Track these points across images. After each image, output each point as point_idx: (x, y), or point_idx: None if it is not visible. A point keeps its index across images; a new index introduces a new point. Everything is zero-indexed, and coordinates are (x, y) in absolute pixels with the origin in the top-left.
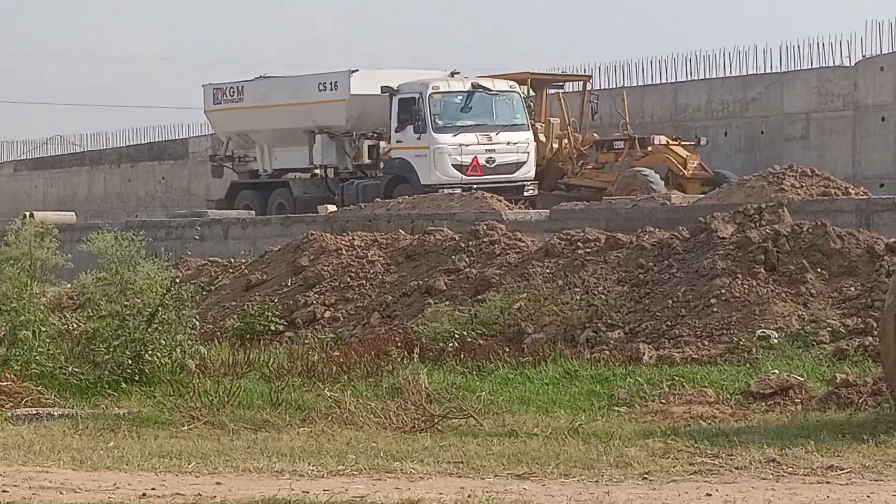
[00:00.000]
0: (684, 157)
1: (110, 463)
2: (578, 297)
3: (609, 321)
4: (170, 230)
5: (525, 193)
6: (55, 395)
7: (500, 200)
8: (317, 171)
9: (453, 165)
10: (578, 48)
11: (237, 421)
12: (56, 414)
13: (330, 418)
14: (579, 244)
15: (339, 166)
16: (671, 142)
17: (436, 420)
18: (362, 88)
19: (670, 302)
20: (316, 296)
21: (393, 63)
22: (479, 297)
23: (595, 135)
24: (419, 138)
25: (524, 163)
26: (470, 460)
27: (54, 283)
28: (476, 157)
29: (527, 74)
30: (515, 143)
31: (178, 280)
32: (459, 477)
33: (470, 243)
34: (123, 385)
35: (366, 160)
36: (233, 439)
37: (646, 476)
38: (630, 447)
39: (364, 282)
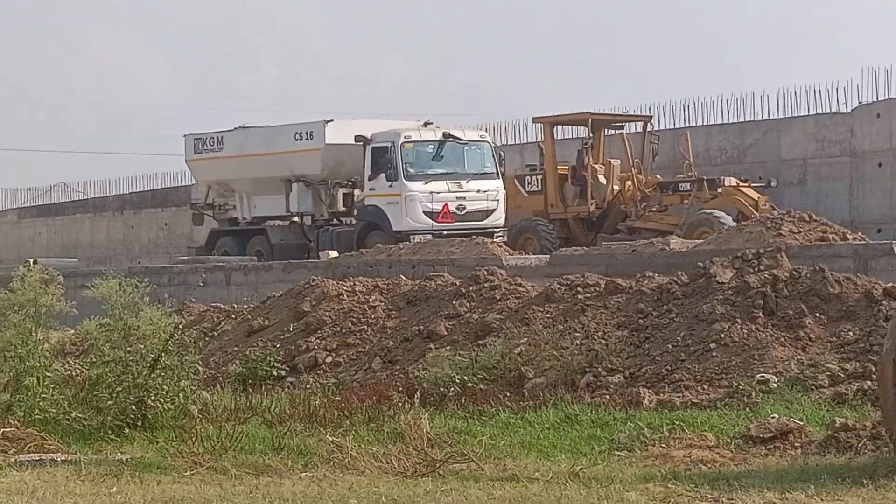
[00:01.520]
0: (755, 198)
1: None
2: (578, 342)
3: (609, 365)
4: (172, 276)
5: (496, 240)
6: (58, 441)
7: (500, 246)
8: (294, 218)
9: (424, 212)
10: (577, 95)
11: (239, 466)
12: (59, 459)
13: (332, 463)
14: (579, 289)
15: (315, 214)
16: (741, 183)
17: (437, 465)
18: (337, 138)
19: (670, 346)
20: (318, 341)
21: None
22: (480, 341)
23: (658, 176)
24: (391, 186)
25: (494, 210)
26: None
27: (58, 329)
28: (447, 204)
29: (587, 115)
30: (485, 191)
31: (180, 326)
32: None
33: (471, 288)
34: (126, 430)
35: (340, 207)
36: (235, 485)
37: None
38: (631, 491)
39: (365, 327)
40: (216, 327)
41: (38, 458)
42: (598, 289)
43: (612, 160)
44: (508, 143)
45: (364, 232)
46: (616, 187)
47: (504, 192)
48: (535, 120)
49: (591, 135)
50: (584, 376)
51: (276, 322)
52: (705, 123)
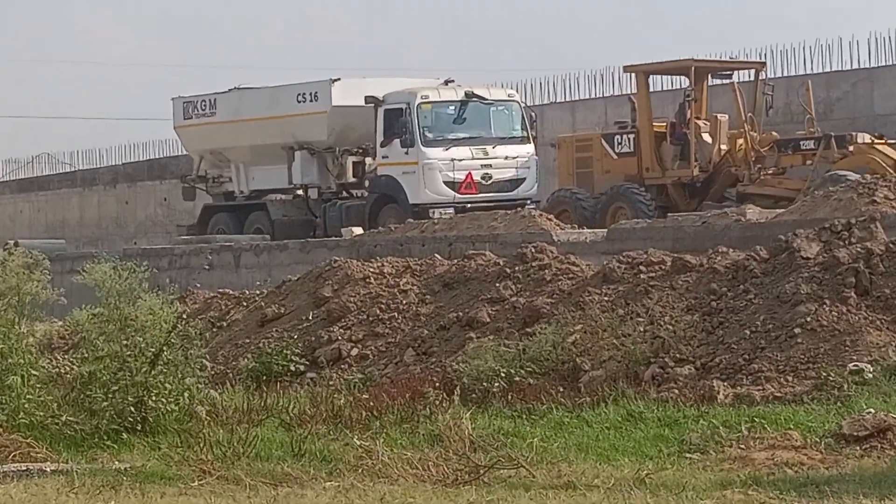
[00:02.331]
0: (894, 158)
1: None
2: (642, 329)
3: (678, 355)
4: (174, 258)
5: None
6: (47, 449)
7: (549, 219)
8: (298, 191)
9: (445, 183)
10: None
11: (254, 475)
12: (48, 470)
13: (360, 470)
14: (642, 268)
15: (322, 186)
16: (876, 140)
17: (481, 471)
18: (345, 99)
19: (748, 332)
20: (341, 331)
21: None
22: (528, 329)
23: (774, 133)
24: (407, 153)
25: (524, 179)
26: None
27: (44, 321)
28: (470, 173)
29: (689, 62)
30: (514, 158)
31: (184, 315)
32: None
33: (516, 269)
34: (124, 435)
35: (350, 178)
36: (250, 496)
37: None
38: (706, 499)
39: (396, 314)
40: (225, 316)
41: (24, 468)
42: (663, 267)
43: (718, 115)
44: (556, 100)
45: (377, 206)
46: (724, 147)
47: (536, 158)
48: (626, 69)
49: (692, 85)
50: (648, 368)
51: (293, 310)
52: (785, 75)
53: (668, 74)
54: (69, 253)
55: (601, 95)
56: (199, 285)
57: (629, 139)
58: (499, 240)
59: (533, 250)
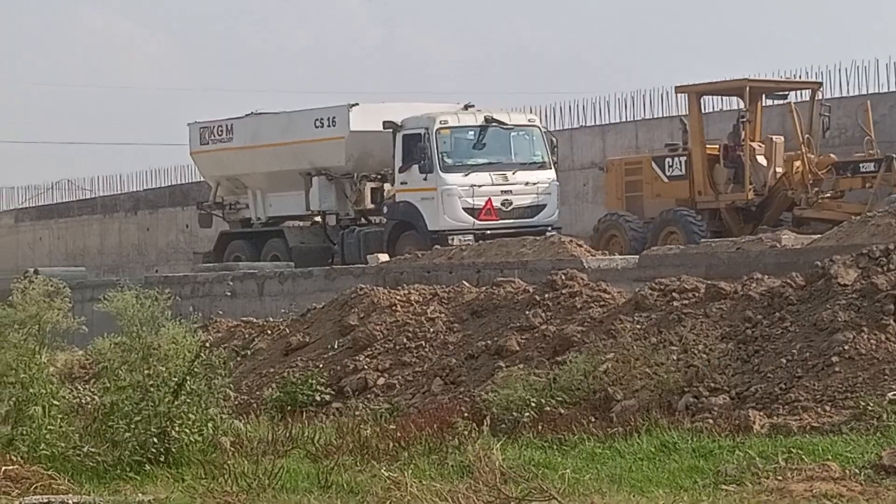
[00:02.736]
0: None
1: None
2: (675, 357)
3: (712, 384)
4: (196, 286)
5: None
6: (68, 480)
7: (580, 246)
8: (316, 218)
9: (464, 209)
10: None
11: None
12: (70, 502)
13: (388, 503)
14: (675, 295)
15: (340, 212)
16: None
17: (512, 503)
18: (363, 124)
19: (784, 361)
20: (367, 360)
21: None
22: (559, 358)
23: (832, 155)
24: (426, 179)
25: (545, 205)
26: None
27: (65, 350)
28: (490, 199)
29: (743, 82)
30: (535, 184)
31: (208, 344)
32: None
33: (546, 296)
34: (147, 467)
35: (368, 205)
36: None
37: None
38: None
39: (423, 343)
40: (249, 345)
41: (45, 500)
42: (697, 294)
43: (773, 136)
44: (586, 123)
45: (395, 232)
46: (780, 169)
47: (557, 184)
48: (678, 89)
49: (747, 106)
50: (682, 397)
51: (318, 338)
52: (820, 98)
53: (721, 95)
54: (89, 281)
55: (632, 119)
56: (221, 313)
57: (681, 162)
58: (528, 266)
59: (563, 277)
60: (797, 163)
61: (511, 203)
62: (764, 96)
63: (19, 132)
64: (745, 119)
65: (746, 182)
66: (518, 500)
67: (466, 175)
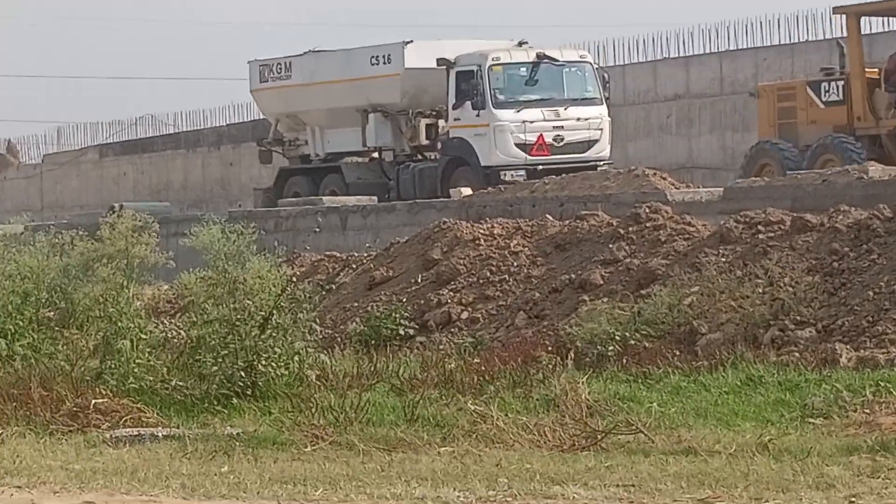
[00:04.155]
0: None
1: (226, 491)
2: (761, 290)
3: (798, 317)
4: (280, 221)
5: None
6: (157, 413)
7: (663, 178)
8: (373, 154)
9: (516, 144)
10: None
11: (367, 440)
12: (160, 435)
13: (475, 436)
14: (760, 228)
15: (396, 148)
16: None
17: (599, 437)
18: (418, 61)
19: (871, 294)
20: (451, 294)
21: None
22: (643, 291)
23: None
24: (478, 115)
25: (597, 140)
26: (642, 483)
27: (151, 284)
28: (542, 134)
29: None
30: (587, 119)
31: (293, 279)
32: (631, 502)
33: (630, 229)
34: (234, 400)
35: (423, 141)
36: (364, 462)
37: (852, 499)
38: (831, 465)
39: (506, 277)
40: (332, 279)
41: (136, 432)
42: (782, 227)
43: None
44: (669, 55)
45: (449, 168)
46: None
47: (609, 119)
48: (835, 10)
49: None
50: (768, 331)
51: (401, 272)
52: None
53: (883, 16)
54: (174, 216)
55: (716, 50)
56: (308, 248)
57: (838, 87)
58: (611, 200)
59: (647, 210)
60: None
61: (563, 138)
62: None
63: (103, 68)
64: None
65: None
66: (605, 434)
67: (518, 111)
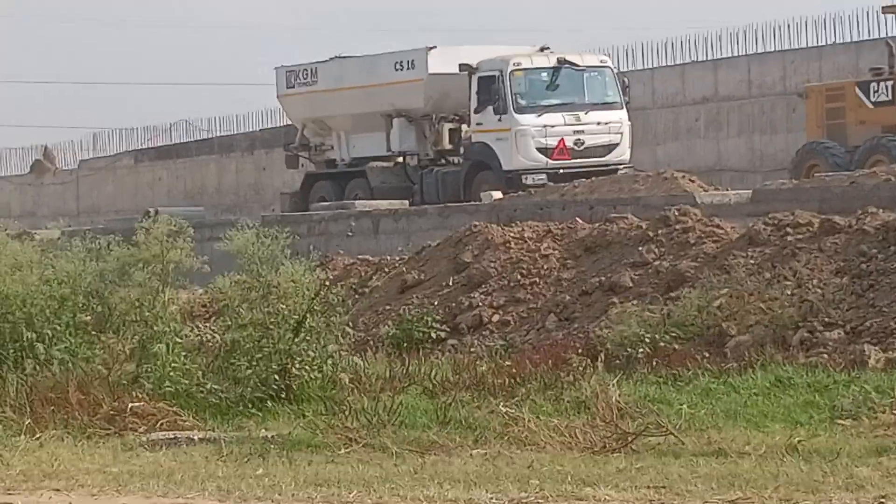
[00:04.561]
0: None
1: (261, 493)
2: (789, 292)
3: (827, 319)
4: (312, 225)
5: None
6: (193, 417)
7: (692, 181)
8: (398, 158)
9: (537, 149)
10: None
11: (400, 443)
12: (196, 438)
13: (506, 438)
14: (788, 230)
15: (420, 153)
16: None
17: (630, 438)
18: (441, 67)
19: None
20: (482, 297)
21: None
22: (672, 294)
23: None
24: (500, 120)
25: (617, 144)
26: (673, 484)
27: (185, 288)
28: (563, 139)
29: None
30: (607, 123)
31: (326, 282)
32: None
33: (659, 232)
34: (268, 403)
35: (446, 145)
36: (397, 464)
37: (882, 500)
38: (861, 466)
39: (537, 279)
40: (365, 283)
41: (172, 435)
42: (811, 229)
43: None
44: (697, 58)
45: (471, 172)
46: None
47: (629, 123)
48: (884, 10)
49: None
50: (797, 332)
51: (433, 276)
52: None
53: None
54: (208, 220)
55: (744, 53)
56: (341, 251)
57: (887, 87)
58: (641, 202)
59: (676, 213)
60: None
61: (583, 142)
62: None
63: (138, 74)
64: None
65: None
66: (635, 436)
67: (539, 115)
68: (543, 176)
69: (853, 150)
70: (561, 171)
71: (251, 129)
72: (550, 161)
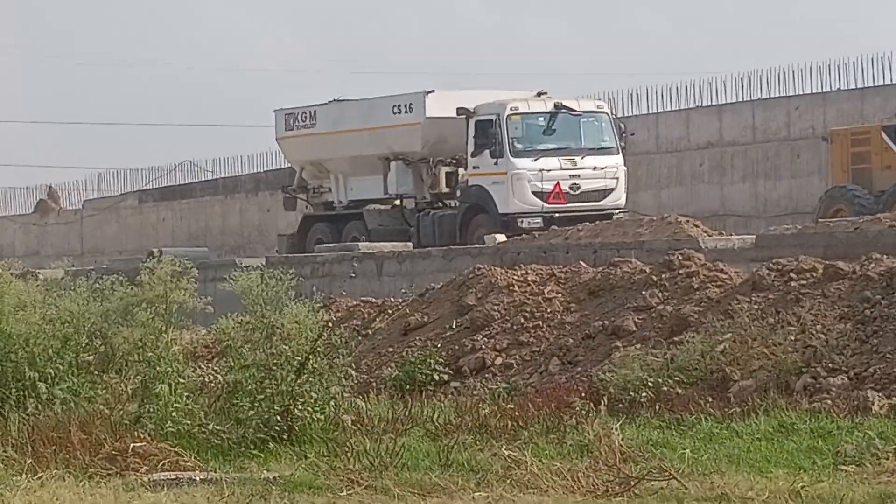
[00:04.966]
0: None
1: None
2: (793, 338)
3: (830, 365)
4: (316, 266)
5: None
6: (195, 457)
7: (696, 226)
8: (395, 201)
9: (533, 192)
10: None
11: (402, 485)
12: (198, 479)
13: (509, 481)
14: (792, 275)
15: (417, 196)
16: None
17: (633, 483)
18: (439, 110)
19: None
20: (485, 340)
21: None
22: (676, 338)
23: None
24: (496, 163)
25: (613, 189)
26: None
27: (189, 328)
28: (559, 183)
29: None
30: (603, 168)
31: (329, 324)
32: None
33: (663, 276)
34: (271, 445)
35: (443, 189)
36: None
37: None
38: None
39: (540, 323)
40: (368, 325)
41: (173, 476)
42: (814, 274)
43: None
44: (702, 104)
45: (468, 215)
46: None
47: (625, 168)
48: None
49: None
50: (800, 378)
51: (436, 318)
52: None
53: None
54: (212, 261)
55: (748, 99)
56: (344, 293)
57: None
58: (644, 247)
59: (680, 257)
60: None
61: (579, 187)
62: None
63: (142, 115)
64: None
65: None
66: (638, 480)
67: (536, 160)
68: (539, 219)
69: (879, 195)
70: (556, 215)
71: (256, 171)
72: (546, 205)
